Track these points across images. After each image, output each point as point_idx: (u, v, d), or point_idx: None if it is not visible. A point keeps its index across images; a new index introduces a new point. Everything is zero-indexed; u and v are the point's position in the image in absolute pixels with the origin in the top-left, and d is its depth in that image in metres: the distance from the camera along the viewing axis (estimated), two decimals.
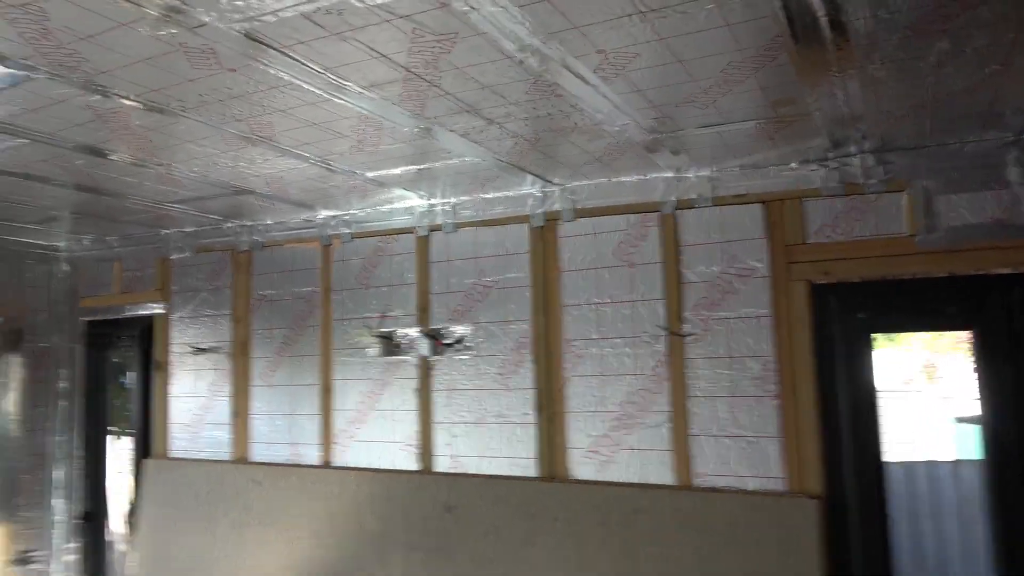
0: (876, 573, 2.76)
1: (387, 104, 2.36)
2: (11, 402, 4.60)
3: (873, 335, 2.96)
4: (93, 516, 4.78)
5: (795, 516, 2.74)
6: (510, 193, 3.50)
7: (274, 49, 1.94)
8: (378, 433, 3.72)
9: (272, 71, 2.08)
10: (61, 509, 4.73)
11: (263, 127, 2.60)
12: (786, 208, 3.00)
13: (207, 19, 1.78)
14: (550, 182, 3.35)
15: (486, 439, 3.45)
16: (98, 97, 2.31)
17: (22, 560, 4.53)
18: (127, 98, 2.32)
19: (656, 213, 3.22)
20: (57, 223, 4.33)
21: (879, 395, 2.86)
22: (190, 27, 1.81)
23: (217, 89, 2.25)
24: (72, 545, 4.73)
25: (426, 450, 3.60)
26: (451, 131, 2.63)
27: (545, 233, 3.45)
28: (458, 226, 3.65)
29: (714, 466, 2.99)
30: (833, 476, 2.82)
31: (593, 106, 2.36)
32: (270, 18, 1.77)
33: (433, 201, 3.67)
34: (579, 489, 3.16)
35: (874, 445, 2.80)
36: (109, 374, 5.05)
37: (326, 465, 3.85)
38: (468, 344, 3.55)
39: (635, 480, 3.11)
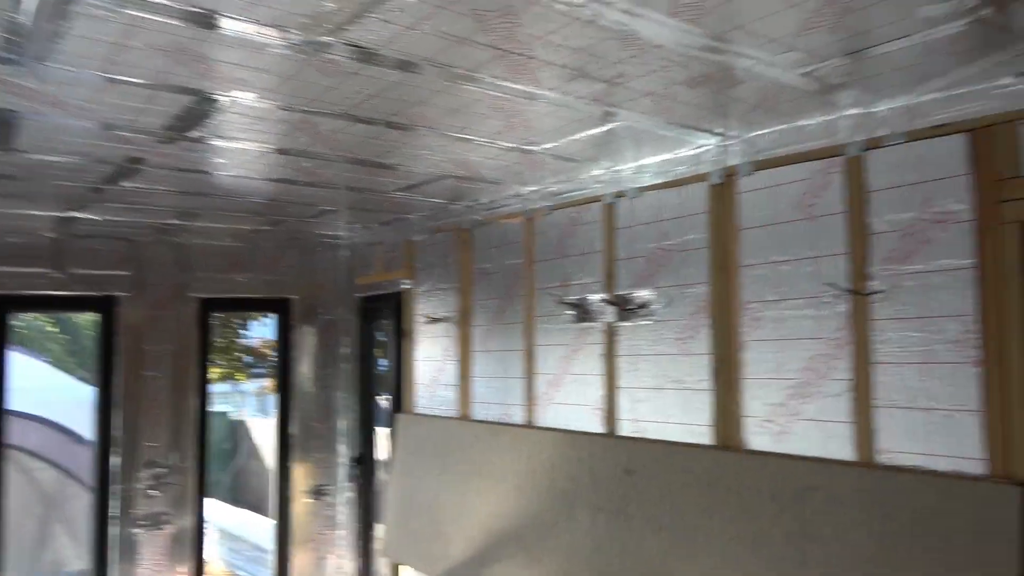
0: None
1: (501, 81, 2.48)
2: (306, 364, 5.67)
3: None
4: (365, 460, 5.69)
5: (996, 504, 2.29)
6: (688, 152, 3.37)
7: (368, 50, 2.19)
8: (571, 396, 3.88)
9: (381, 71, 2.34)
10: (343, 453, 5.72)
11: (416, 118, 2.88)
12: (996, 135, 2.47)
13: (325, 39, 2.10)
14: (725, 135, 3.17)
15: (665, 405, 3.41)
16: (299, 115, 2.81)
17: (317, 492, 5.59)
18: (305, 111, 2.77)
19: (839, 157, 2.87)
20: (332, 216, 5.19)
21: None
22: (315, 48, 2.15)
23: (359, 91, 2.57)
24: (350, 483, 5.69)
25: (611, 414, 3.66)
26: (580, 98, 2.66)
27: (723, 190, 3.27)
28: (641, 190, 3.62)
29: (900, 442, 2.61)
30: None
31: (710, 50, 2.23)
32: (352, 28, 2.02)
33: (618, 167, 3.69)
34: (752, 460, 2.99)
35: None
36: (376, 341, 5.92)
37: (529, 425, 4.12)
38: (650, 309, 3.52)
39: (812, 453, 2.84)
